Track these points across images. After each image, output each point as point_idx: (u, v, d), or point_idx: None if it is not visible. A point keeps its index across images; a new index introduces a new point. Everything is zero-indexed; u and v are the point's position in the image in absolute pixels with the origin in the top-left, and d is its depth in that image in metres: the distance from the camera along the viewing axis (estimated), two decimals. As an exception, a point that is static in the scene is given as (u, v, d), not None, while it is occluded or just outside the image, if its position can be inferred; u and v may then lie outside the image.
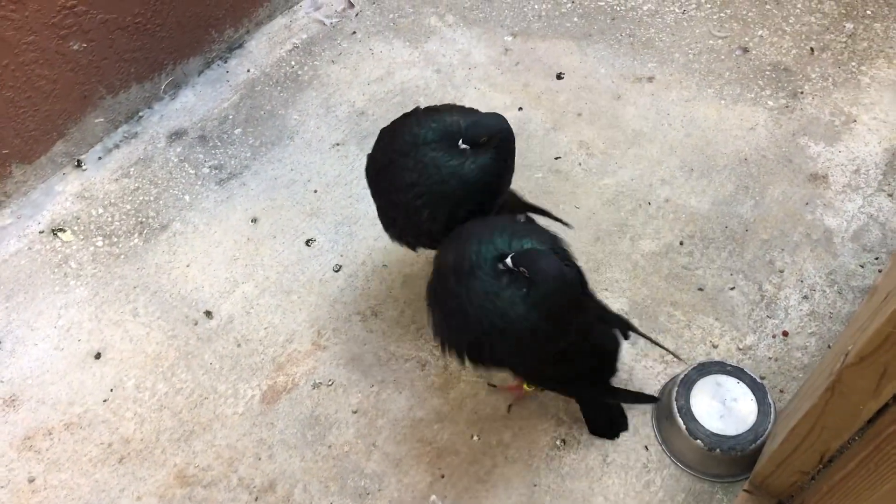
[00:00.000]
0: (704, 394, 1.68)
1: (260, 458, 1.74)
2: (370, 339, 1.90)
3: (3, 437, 1.78)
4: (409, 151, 1.53)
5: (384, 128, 1.65)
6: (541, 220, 1.78)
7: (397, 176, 1.55)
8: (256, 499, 1.69)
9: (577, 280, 1.45)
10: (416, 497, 1.68)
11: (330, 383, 1.83)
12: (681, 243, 2.01)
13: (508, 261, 1.35)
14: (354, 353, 1.87)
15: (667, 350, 1.78)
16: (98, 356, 1.88)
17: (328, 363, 1.86)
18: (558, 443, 1.73)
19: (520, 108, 2.29)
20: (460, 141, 1.51)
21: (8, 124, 2.01)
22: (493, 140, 1.53)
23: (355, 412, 1.79)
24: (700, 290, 1.93)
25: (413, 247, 1.72)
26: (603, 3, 2.56)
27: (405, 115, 1.63)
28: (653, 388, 1.79)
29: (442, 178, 1.51)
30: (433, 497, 1.68)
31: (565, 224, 1.84)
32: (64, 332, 1.92)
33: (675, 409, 1.65)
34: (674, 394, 1.67)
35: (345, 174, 2.17)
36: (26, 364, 1.87)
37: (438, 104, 1.65)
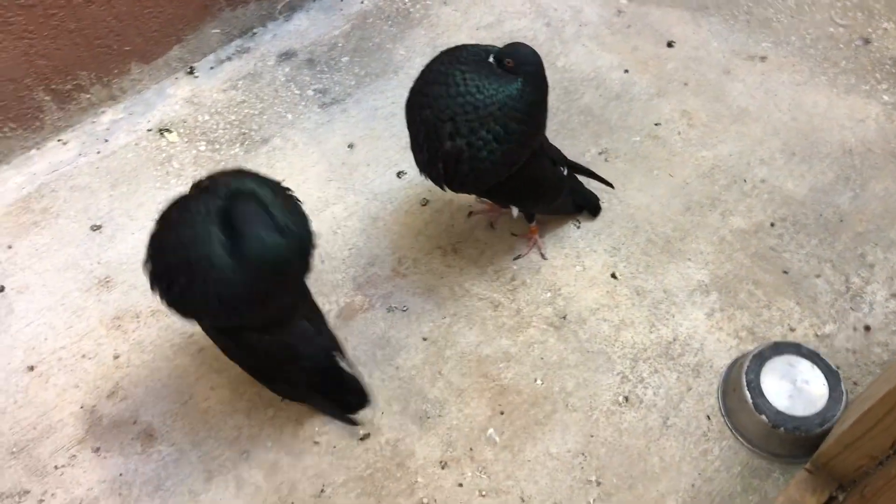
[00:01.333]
0: (776, 372, 1.67)
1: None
2: (448, 273, 1.93)
3: (95, 314, 1.88)
4: (442, 71, 1.54)
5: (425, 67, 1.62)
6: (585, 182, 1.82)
7: (426, 92, 1.55)
8: (321, 406, 1.75)
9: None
10: (474, 428, 1.72)
11: (404, 309, 1.88)
12: (772, 224, 1.98)
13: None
14: (431, 284, 1.92)
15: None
16: (190, 252, 1.97)
17: (405, 290, 1.91)
18: (620, 399, 1.75)
19: (626, 71, 2.28)
20: (490, 56, 1.54)
21: (133, 23, 2.10)
22: (519, 66, 1.53)
23: (425, 339, 1.84)
24: (785, 273, 1.91)
25: (438, 182, 1.65)
26: (724, -23, 2.51)
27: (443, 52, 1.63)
28: (724, 362, 1.78)
29: (467, 90, 1.50)
30: (491, 430, 1.71)
31: (608, 184, 1.95)
32: (160, 226, 2.01)
33: (744, 383, 1.65)
34: (745, 367, 1.67)
35: (443, 113, 2.20)
36: (123, 250, 1.97)
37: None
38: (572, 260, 1.95)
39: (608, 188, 2.00)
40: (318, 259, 1.95)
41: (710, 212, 2.01)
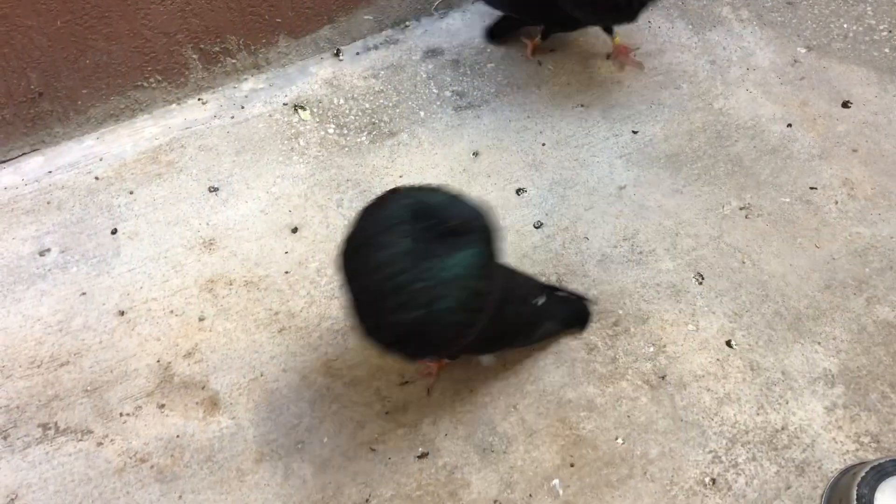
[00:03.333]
0: (895, 492, 1.43)
1: (403, 377, 1.72)
2: (547, 304, 1.81)
3: (192, 272, 1.90)
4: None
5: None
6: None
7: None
8: (387, 413, 1.68)
9: None
10: (539, 474, 1.58)
11: (493, 332, 1.77)
12: (926, 324, 1.73)
13: None
14: (527, 312, 1.80)
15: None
16: (295, 230, 1.95)
17: (498, 312, 1.80)
18: (707, 480, 1.56)
19: (789, 125, 2.07)
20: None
21: (288, -3, 2.12)
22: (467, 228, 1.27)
23: (507, 368, 1.72)
24: (931, 381, 1.65)
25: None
26: (925, 42, 2.24)
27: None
28: (835, 466, 1.56)
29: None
30: (556, 481, 1.58)
31: (587, 300, 1.76)
32: (273, 200, 2.01)
33: (854, 495, 1.42)
34: (859, 477, 1.44)
35: (578, 136, 2.08)
36: (232, 216, 1.98)
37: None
38: (686, 317, 1.78)
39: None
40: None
41: (854, 295, 1.78)
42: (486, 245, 1.27)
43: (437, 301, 1.21)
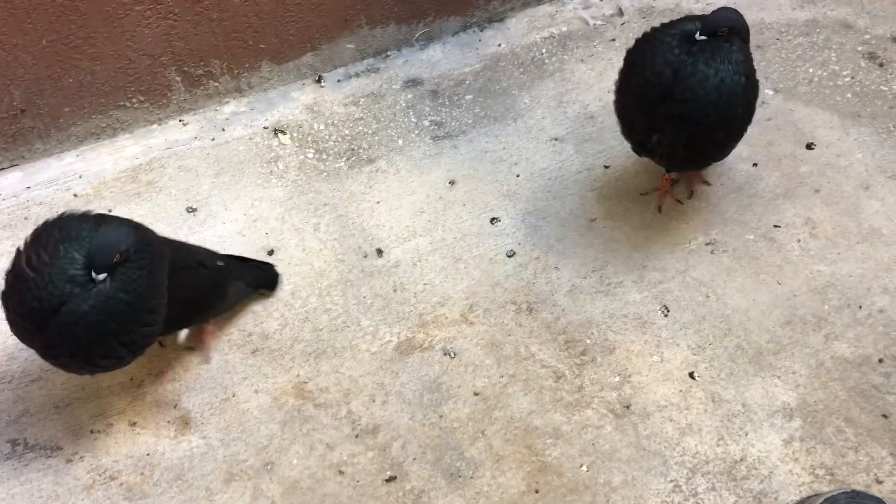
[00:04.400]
0: (847, 524, 1.48)
1: (374, 401, 1.75)
2: (516, 331, 1.85)
3: (168, 291, 1.91)
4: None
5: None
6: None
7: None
8: (357, 436, 1.70)
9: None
10: (504, 499, 1.61)
11: (462, 358, 1.80)
12: (880, 360, 1.79)
13: None
14: (496, 339, 1.84)
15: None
16: (271, 252, 1.98)
17: (468, 339, 1.84)
18: (667, 509, 1.60)
19: (754, 164, 2.14)
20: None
21: (272, 23, 2.16)
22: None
23: (476, 394, 1.75)
24: (884, 417, 1.71)
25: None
26: (886, 89, 2.32)
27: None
28: (791, 498, 1.61)
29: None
30: (520, 507, 1.61)
31: (269, 266, 1.92)
32: (251, 222, 2.04)
33: (808, 527, 1.47)
34: (813, 510, 1.49)
35: (551, 169, 2.13)
36: (209, 237, 2.01)
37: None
38: (651, 348, 1.83)
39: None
40: (391, 287, 1.92)
41: (813, 332, 1.84)
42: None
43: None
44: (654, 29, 1.82)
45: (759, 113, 2.24)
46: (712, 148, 1.82)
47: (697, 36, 1.68)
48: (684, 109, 1.68)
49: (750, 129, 1.92)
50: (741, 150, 2.16)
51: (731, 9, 1.75)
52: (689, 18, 1.80)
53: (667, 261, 1.96)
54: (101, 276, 1.40)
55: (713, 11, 1.74)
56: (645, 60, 1.76)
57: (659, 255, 1.97)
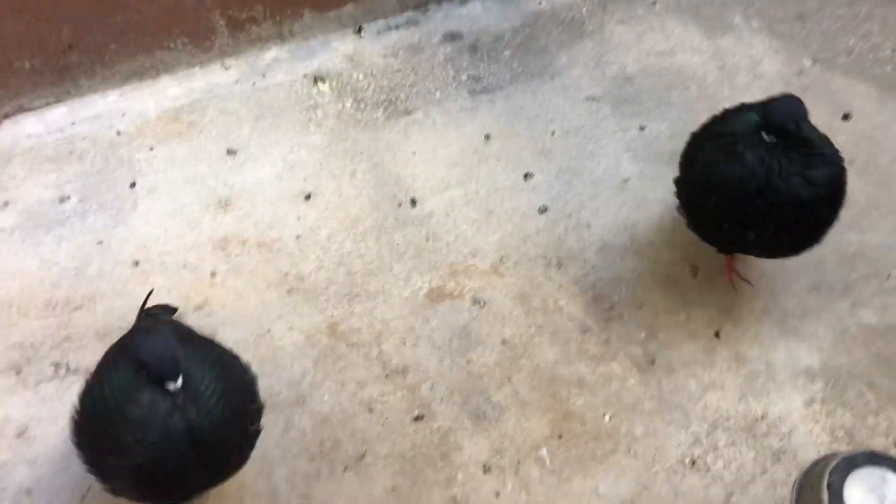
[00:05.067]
0: (863, 483, 1.51)
1: (405, 344, 1.80)
2: (545, 285, 1.88)
3: (207, 230, 1.96)
4: None
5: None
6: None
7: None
8: (387, 376, 1.75)
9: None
10: (528, 443, 1.66)
11: (491, 308, 1.84)
12: (905, 329, 1.81)
13: None
14: (525, 291, 1.87)
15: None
16: (308, 197, 2.02)
17: (498, 290, 1.87)
18: (687, 461, 1.64)
19: (789, 132, 2.14)
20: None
21: (316, -28, 2.18)
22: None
23: (504, 343, 1.79)
24: (906, 384, 1.74)
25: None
26: (928, 63, 2.31)
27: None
28: (809, 456, 1.64)
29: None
30: (544, 450, 1.65)
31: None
32: (289, 167, 2.08)
33: (825, 483, 1.50)
34: (830, 466, 1.52)
35: (587, 128, 2.15)
36: (248, 179, 2.05)
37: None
38: (678, 307, 1.85)
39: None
40: (424, 236, 1.96)
41: (840, 298, 1.86)
42: None
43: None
44: (706, 127, 1.73)
45: (798, 81, 2.25)
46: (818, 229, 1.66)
47: (766, 137, 1.55)
48: (786, 199, 1.55)
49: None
50: (778, 117, 2.16)
51: (791, 99, 1.57)
52: (746, 107, 1.67)
53: (697, 223, 1.98)
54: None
55: (772, 104, 1.58)
56: (723, 163, 1.61)
57: (690, 217, 1.99)
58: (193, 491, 1.38)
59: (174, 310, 1.77)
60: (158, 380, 1.24)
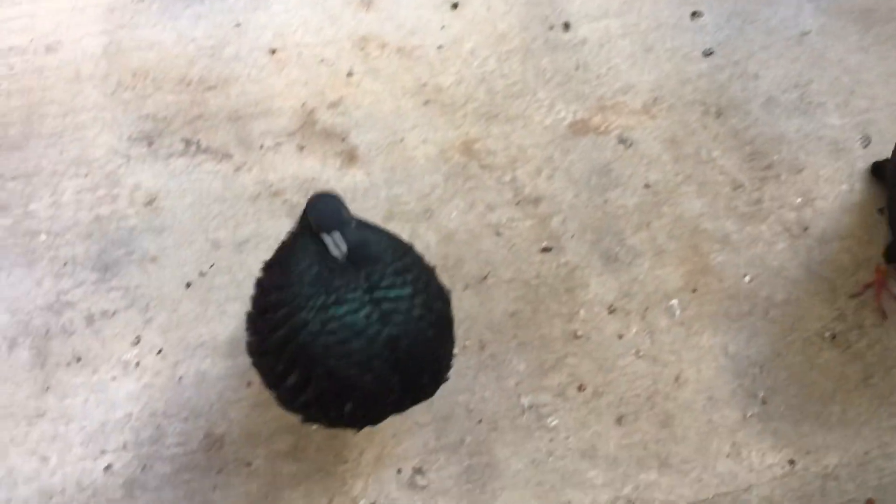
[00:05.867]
0: None
1: (540, 173, 1.70)
2: (700, 133, 1.74)
3: (347, 27, 1.86)
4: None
5: None
6: None
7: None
8: (518, 203, 1.67)
9: None
10: (659, 291, 1.58)
11: (637, 149, 1.72)
12: None
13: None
14: (677, 136, 1.74)
15: None
16: (455, 6, 1.89)
17: (647, 131, 1.74)
18: (827, 335, 1.54)
19: None
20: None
21: None
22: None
23: (647, 187, 1.68)
24: None
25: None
26: None
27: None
28: None
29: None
30: (675, 301, 1.57)
31: None
32: (438, -28, 1.94)
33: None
34: None
35: (769, -28, 1.93)
36: (395, -21, 1.92)
37: None
38: (843, 176, 1.70)
39: None
40: (574, 64, 1.82)
41: None
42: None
43: None
44: None
45: None
46: None
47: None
48: None
49: None
50: None
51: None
52: None
53: (878, 90, 1.78)
54: None
55: None
56: None
57: (870, 82, 1.80)
58: (387, 405, 1.19)
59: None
60: (326, 227, 1.11)
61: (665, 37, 1.86)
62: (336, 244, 1.11)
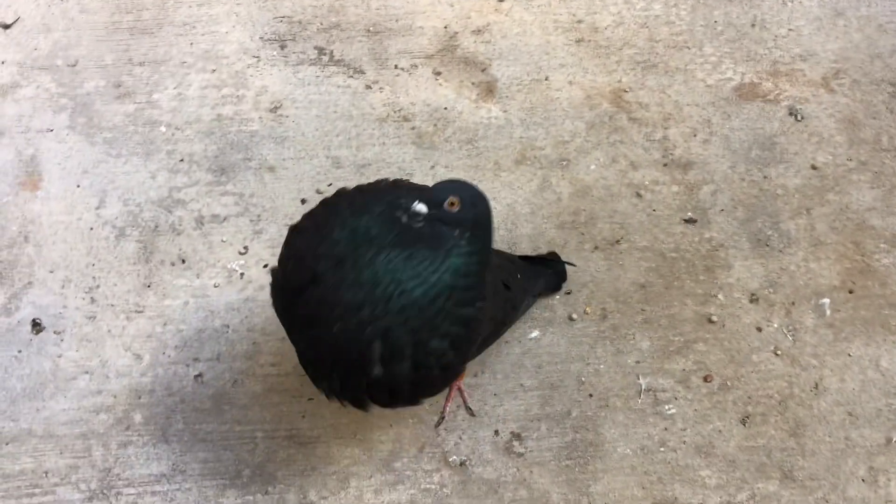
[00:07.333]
0: None
1: (695, 136, 1.54)
2: (884, 116, 1.55)
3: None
4: (345, 256, 0.99)
5: (294, 225, 1.09)
6: None
7: (326, 297, 0.99)
8: (665, 165, 1.52)
9: None
10: (810, 286, 1.41)
11: (809, 124, 1.53)
12: None
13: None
14: (857, 117, 1.54)
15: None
16: (625, -60, 1.71)
17: (823, 106, 1.55)
18: None
19: None
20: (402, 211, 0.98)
21: None
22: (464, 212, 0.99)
23: (814, 168, 1.50)
24: None
25: (362, 406, 1.08)
26: None
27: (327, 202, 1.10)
28: None
29: (397, 286, 0.97)
30: (826, 300, 1.40)
31: (571, 264, 1.39)
32: None
33: None
34: None
35: None
36: None
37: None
38: None
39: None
40: (750, 20, 1.63)
41: None
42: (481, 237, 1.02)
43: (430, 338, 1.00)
44: None
45: None
46: None
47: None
48: None
49: None
50: None
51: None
52: None
53: None
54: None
55: None
56: None
57: None
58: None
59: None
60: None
61: (860, 3, 1.64)
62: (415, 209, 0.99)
